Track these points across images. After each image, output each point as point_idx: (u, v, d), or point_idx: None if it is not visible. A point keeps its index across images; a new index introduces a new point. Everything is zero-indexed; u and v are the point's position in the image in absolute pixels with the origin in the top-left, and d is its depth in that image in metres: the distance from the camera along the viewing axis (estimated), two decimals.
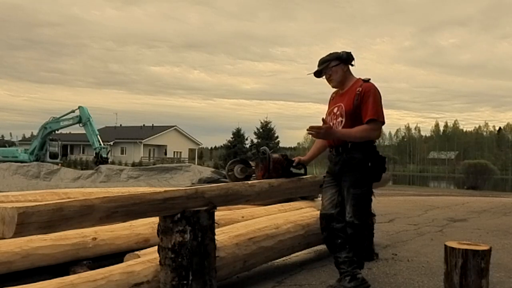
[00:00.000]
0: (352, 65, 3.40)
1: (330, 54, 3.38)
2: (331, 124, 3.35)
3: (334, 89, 3.54)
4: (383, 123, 3.25)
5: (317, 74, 3.41)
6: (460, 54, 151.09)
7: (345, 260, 3.19)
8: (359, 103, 3.20)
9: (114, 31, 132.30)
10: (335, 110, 3.37)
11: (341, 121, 3.28)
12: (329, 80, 3.41)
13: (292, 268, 3.92)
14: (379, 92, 3.28)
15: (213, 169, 20.42)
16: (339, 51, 3.38)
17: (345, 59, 3.35)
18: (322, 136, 3.31)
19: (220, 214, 3.54)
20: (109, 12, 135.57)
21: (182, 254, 2.56)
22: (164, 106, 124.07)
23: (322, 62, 3.38)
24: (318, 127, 3.18)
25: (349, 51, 3.38)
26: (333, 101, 3.49)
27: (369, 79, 3.32)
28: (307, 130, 3.21)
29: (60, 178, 18.87)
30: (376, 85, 3.31)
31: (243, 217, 3.92)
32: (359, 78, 3.35)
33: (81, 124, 28.04)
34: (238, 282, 3.43)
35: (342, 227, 3.21)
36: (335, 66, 3.34)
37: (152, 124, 56.22)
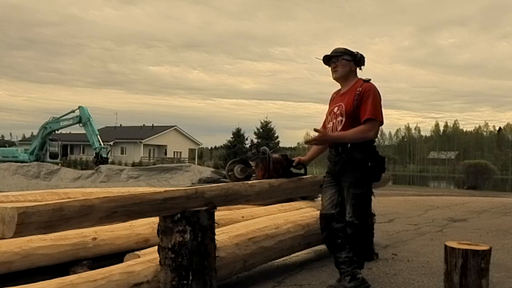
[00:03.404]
0: (360, 69, 3.42)
1: (347, 49, 3.40)
2: (332, 123, 3.37)
3: (334, 90, 3.55)
4: (382, 123, 3.26)
5: (326, 60, 3.42)
6: (459, 54, 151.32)
7: (345, 260, 3.19)
8: (359, 103, 3.22)
9: (113, 31, 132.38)
10: (335, 109, 3.38)
11: (341, 120, 3.30)
12: (333, 70, 3.40)
13: (292, 268, 3.92)
14: (379, 93, 3.29)
15: (213, 169, 20.40)
16: (354, 51, 3.41)
17: (357, 60, 3.38)
18: (320, 144, 3.45)
19: (220, 214, 3.54)
20: (107, 12, 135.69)
21: (182, 254, 2.56)
22: (164, 106, 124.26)
23: (337, 51, 3.38)
24: (314, 138, 3.31)
25: (362, 54, 3.41)
26: (333, 101, 3.50)
27: (370, 80, 3.33)
28: (306, 144, 3.34)
29: (60, 178, 18.83)
30: (376, 85, 3.32)
31: (243, 217, 3.92)
32: (360, 79, 3.37)
33: (81, 124, 28.05)
34: (238, 282, 3.43)
35: (342, 227, 3.22)
36: (346, 60, 3.35)
37: (152, 124, 56.23)
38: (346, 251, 3.20)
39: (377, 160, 3.26)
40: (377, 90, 3.29)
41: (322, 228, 3.32)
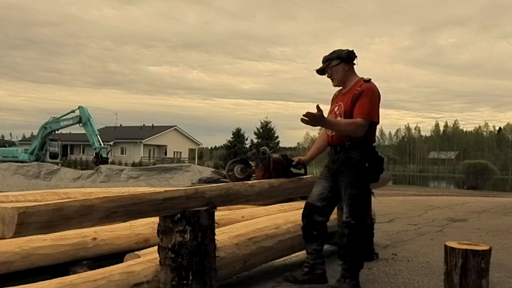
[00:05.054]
0: (354, 64, 3.39)
1: (333, 52, 3.39)
2: None
3: (334, 89, 3.54)
4: (376, 122, 3.23)
5: (320, 72, 3.43)
6: (459, 54, 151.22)
7: (312, 252, 3.33)
8: (356, 102, 3.20)
9: (113, 31, 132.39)
10: (335, 109, 3.38)
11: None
12: (330, 79, 3.42)
13: (292, 268, 3.91)
14: (378, 93, 3.27)
15: (213, 169, 20.42)
16: (343, 49, 3.38)
17: (346, 58, 3.33)
18: (313, 123, 3.11)
19: (220, 214, 3.54)
20: (107, 11, 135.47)
21: (182, 254, 2.56)
22: (164, 106, 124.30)
23: (324, 60, 3.39)
24: (306, 115, 3.03)
25: (351, 49, 3.37)
26: (335, 99, 3.49)
27: (370, 79, 3.31)
28: (302, 115, 3.06)
29: (60, 178, 18.84)
30: (376, 85, 3.30)
31: (243, 217, 3.92)
32: (361, 78, 3.34)
33: (81, 124, 28.05)
34: (238, 282, 3.43)
35: (322, 222, 3.33)
36: (336, 65, 3.34)
37: (152, 124, 56.23)
38: (317, 243, 3.32)
39: (375, 160, 3.25)
40: (377, 90, 3.27)
41: (303, 215, 3.38)
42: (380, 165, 3.29)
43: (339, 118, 3.29)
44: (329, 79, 3.43)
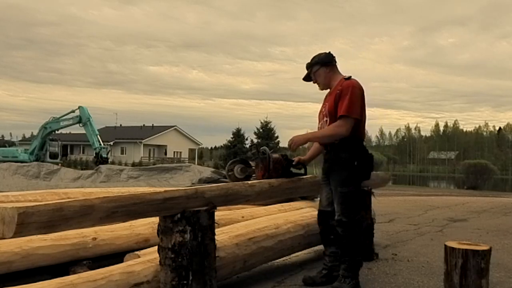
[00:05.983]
0: (335, 64, 3.43)
1: (312, 58, 3.48)
2: (320, 124, 3.45)
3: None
4: (356, 119, 3.23)
5: (306, 79, 3.53)
6: (459, 54, 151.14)
7: (330, 254, 3.42)
8: (339, 102, 3.24)
9: (112, 31, 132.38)
10: (323, 110, 3.46)
11: (326, 120, 3.36)
12: (316, 84, 3.51)
13: (292, 268, 3.92)
14: (359, 88, 3.29)
15: (213, 169, 20.40)
16: (321, 52, 3.47)
17: (325, 62, 3.41)
18: (295, 145, 3.45)
19: (220, 214, 3.54)
20: (107, 11, 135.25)
21: (182, 254, 2.56)
22: (164, 106, 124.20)
23: (307, 67, 3.50)
24: (291, 140, 3.44)
25: (328, 51, 3.44)
26: (324, 100, 3.54)
27: (350, 77, 3.34)
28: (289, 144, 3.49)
29: (60, 178, 18.82)
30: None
31: (243, 217, 3.92)
32: (342, 77, 3.37)
33: (81, 124, 28.06)
34: (238, 282, 3.43)
35: None
36: (317, 70, 3.43)
37: (152, 124, 56.24)
38: (335, 247, 3.37)
39: (364, 158, 3.28)
40: (358, 86, 3.29)
41: (319, 222, 3.49)
42: (370, 163, 3.32)
43: (325, 118, 3.36)
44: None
